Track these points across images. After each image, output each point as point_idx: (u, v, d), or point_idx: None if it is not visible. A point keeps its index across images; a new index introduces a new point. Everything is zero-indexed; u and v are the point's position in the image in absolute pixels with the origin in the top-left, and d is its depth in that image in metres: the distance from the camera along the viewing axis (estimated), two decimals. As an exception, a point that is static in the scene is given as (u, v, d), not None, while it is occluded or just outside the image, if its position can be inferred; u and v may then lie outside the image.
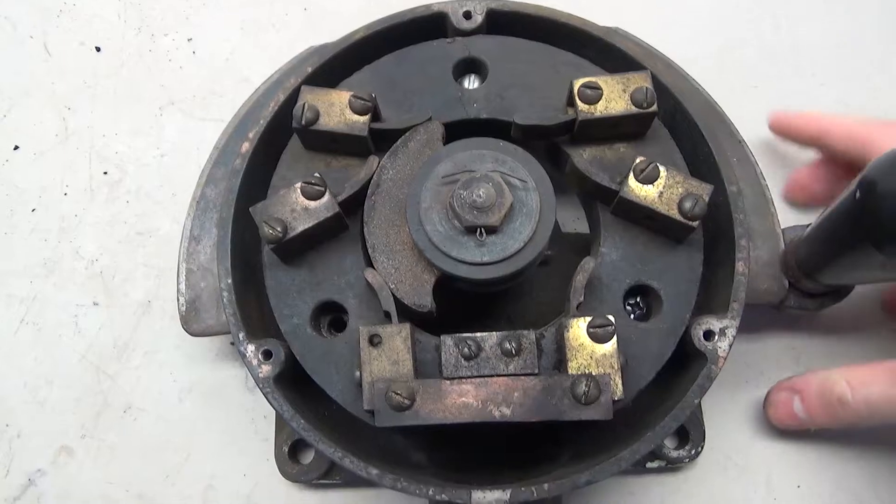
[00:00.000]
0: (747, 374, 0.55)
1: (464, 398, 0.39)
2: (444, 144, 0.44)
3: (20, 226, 0.60)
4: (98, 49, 0.64)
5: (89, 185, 0.60)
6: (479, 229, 0.41)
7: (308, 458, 0.53)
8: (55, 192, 0.60)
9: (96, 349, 0.57)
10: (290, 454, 0.52)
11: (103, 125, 0.62)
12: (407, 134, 0.45)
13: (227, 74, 0.61)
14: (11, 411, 0.56)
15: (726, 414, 0.54)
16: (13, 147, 0.61)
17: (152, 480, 0.54)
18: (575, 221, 0.57)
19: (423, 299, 0.43)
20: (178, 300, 0.52)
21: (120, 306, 0.58)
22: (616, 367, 0.40)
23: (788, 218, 0.55)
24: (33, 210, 0.60)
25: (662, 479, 0.53)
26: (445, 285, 0.44)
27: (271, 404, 0.44)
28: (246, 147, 0.48)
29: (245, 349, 0.44)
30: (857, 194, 0.39)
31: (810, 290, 0.50)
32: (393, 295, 0.42)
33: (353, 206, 0.45)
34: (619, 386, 0.40)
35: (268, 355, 0.44)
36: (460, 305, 0.47)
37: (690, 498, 0.53)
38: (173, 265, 0.57)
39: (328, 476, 0.52)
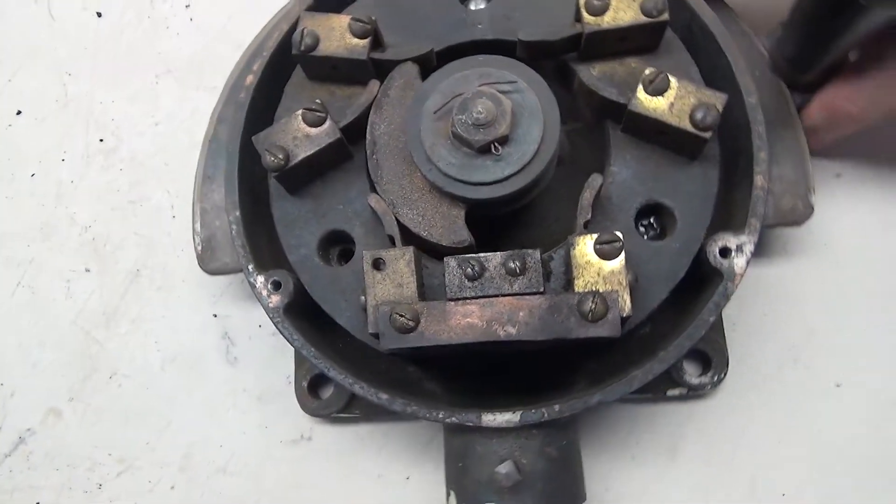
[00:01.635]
0: (779, 301, 0.53)
1: (468, 318, 0.39)
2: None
3: (20, 190, 0.61)
4: (99, 14, 0.63)
5: (86, 152, 0.61)
6: (492, 144, 0.40)
7: (327, 392, 0.54)
8: (54, 157, 0.61)
9: (86, 315, 0.58)
10: (310, 389, 0.53)
11: (102, 92, 0.62)
12: (384, 83, 0.43)
13: (224, 42, 0.60)
14: (6, 371, 0.57)
15: (755, 342, 0.53)
16: (16, 112, 0.62)
17: (134, 445, 0.55)
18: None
19: (460, 235, 0.42)
20: (193, 239, 0.53)
21: (110, 273, 0.59)
22: (624, 284, 0.39)
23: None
24: (33, 175, 0.61)
25: (685, 408, 0.52)
26: (472, 213, 0.43)
27: (282, 334, 0.44)
28: (250, 79, 0.47)
29: (255, 280, 0.44)
30: None
31: (810, 81, 0.49)
32: (422, 238, 0.42)
33: (355, 133, 0.45)
34: (628, 302, 0.39)
35: (277, 286, 0.44)
36: (476, 236, 0.46)
37: (714, 426, 0.52)
38: (162, 234, 0.59)
39: (347, 410, 0.53)
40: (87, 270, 0.59)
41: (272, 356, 0.56)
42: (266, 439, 0.55)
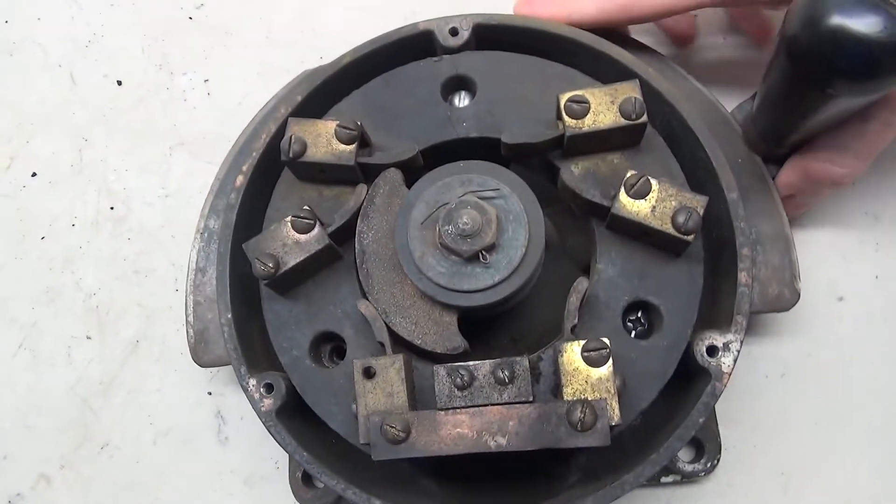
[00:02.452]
0: (765, 370, 0.54)
1: (458, 429, 0.39)
2: (421, 175, 0.44)
3: (29, 252, 0.61)
4: (119, 83, 0.64)
5: (96, 219, 0.62)
6: (479, 253, 0.40)
7: (321, 483, 0.53)
8: (64, 222, 0.62)
9: (84, 382, 0.58)
10: (303, 480, 0.53)
11: (115, 159, 0.63)
12: (370, 190, 0.44)
13: (238, 118, 0.60)
14: (2, 433, 0.58)
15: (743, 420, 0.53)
16: (31, 174, 0.63)
17: None
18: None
19: (454, 341, 0.43)
20: (186, 332, 0.53)
21: (111, 342, 0.59)
22: (612, 392, 0.39)
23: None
24: (42, 238, 0.62)
25: (681, 491, 0.52)
26: (463, 317, 0.43)
27: (274, 438, 0.44)
28: (240, 180, 0.48)
29: (247, 383, 0.45)
30: (793, 42, 0.39)
31: (783, 155, 0.50)
32: (415, 345, 0.42)
33: (344, 236, 0.45)
34: (616, 411, 0.39)
35: (269, 388, 0.45)
36: (465, 332, 0.46)
37: (711, 509, 0.52)
38: (163, 307, 0.59)
39: (342, 501, 0.52)
40: (89, 338, 0.59)
41: (262, 439, 0.55)
42: (249, 524, 0.54)
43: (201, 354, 0.52)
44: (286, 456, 0.54)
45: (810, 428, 0.53)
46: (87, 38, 0.66)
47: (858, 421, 0.52)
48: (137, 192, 0.62)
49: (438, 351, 0.42)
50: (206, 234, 0.54)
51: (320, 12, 0.65)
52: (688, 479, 0.50)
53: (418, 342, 0.42)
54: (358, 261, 0.44)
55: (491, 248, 0.40)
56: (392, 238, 0.43)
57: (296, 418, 0.46)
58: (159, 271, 0.60)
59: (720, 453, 0.50)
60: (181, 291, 0.59)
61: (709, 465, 0.50)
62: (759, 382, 0.54)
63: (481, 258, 0.40)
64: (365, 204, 0.44)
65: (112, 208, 0.62)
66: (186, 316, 0.53)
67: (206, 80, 0.64)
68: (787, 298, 0.49)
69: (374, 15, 0.63)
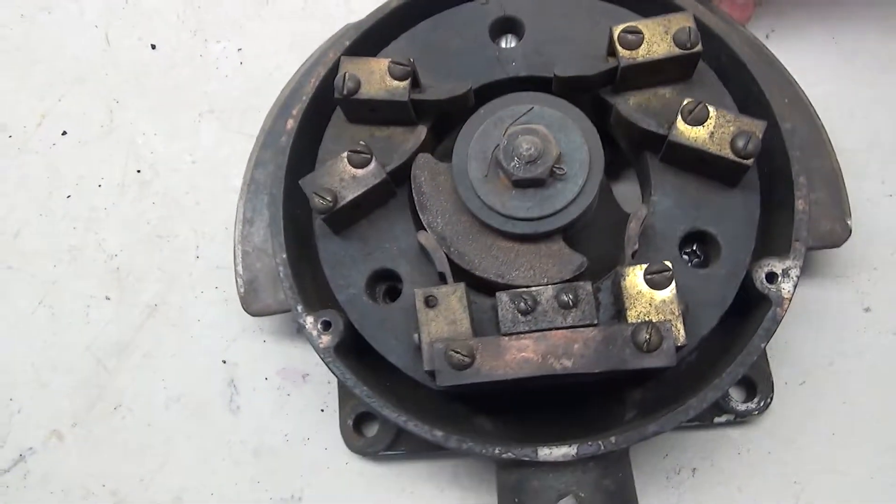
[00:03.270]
0: (812, 322, 0.54)
1: (523, 353, 0.39)
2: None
3: (54, 210, 0.61)
4: (153, 47, 0.64)
5: (122, 181, 0.61)
6: (553, 169, 0.41)
7: (372, 430, 0.54)
8: (91, 182, 0.62)
9: (101, 343, 0.58)
10: (355, 427, 0.53)
11: (145, 123, 0.63)
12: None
13: (269, 89, 0.60)
14: (17, 387, 0.58)
15: (795, 363, 0.53)
16: (62, 132, 0.63)
17: (128, 480, 0.55)
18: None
19: (575, 259, 0.43)
20: (236, 282, 0.53)
21: (129, 305, 0.59)
22: (677, 313, 0.39)
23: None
24: (68, 196, 0.61)
25: (733, 433, 0.52)
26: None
27: (334, 373, 0.45)
28: (291, 124, 0.48)
29: (304, 321, 0.45)
30: None
31: None
32: (447, 257, 0.42)
33: (400, 177, 0.45)
34: (682, 332, 0.39)
35: (327, 326, 0.45)
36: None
37: (764, 450, 0.52)
38: (183, 273, 0.59)
39: (393, 446, 0.53)
40: (108, 298, 0.59)
41: (273, 411, 0.56)
42: (256, 494, 0.54)
43: (251, 303, 0.53)
44: (296, 428, 0.55)
45: (864, 371, 0.53)
46: (123, 0, 0.66)
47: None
48: (165, 156, 0.62)
49: (566, 278, 0.42)
50: (252, 186, 0.55)
51: None
52: (741, 418, 0.50)
53: (503, 279, 0.43)
54: (441, 247, 0.44)
55: (559, 159, 0.41)
56: (463, 211, 0.43)
57: (350, 357, 0.46)
58: (182, 237, 0.60)
59: (772, 392, 0.50)
60: (202, 259, 0.59)
61: (762, 403, 0.50)
62: (809, 326, 0.53)
63: (557, 172, 0.40)
64: (416, 197, 0.44)
65: (139, 171, 0.62)
66: (235, 266, 0.53)
67: (239, 49, 0.64)
68: (838, 234, 0.49)
69: None
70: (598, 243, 0.49)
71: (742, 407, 0.50)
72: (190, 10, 0.65)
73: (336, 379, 0.53)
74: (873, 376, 0.53)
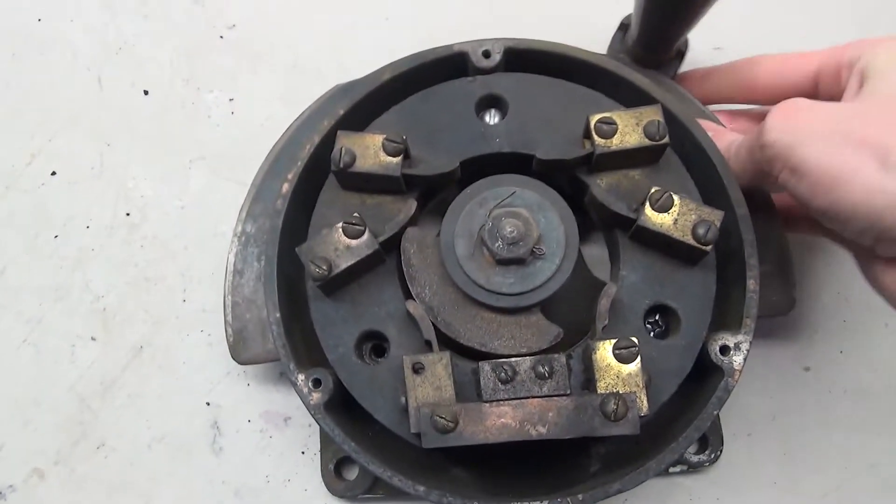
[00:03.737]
0: (758, 379, 0.59)
1: (503, 419, 0.43)
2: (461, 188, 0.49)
3: (42, 248, 0.62)
4: (146, 92, 0.66)
5: (111, 223, 0.63)
6: (534, 249, 0.45)
7: (352, 474, 0.57)
8: (79, 223, 0.63)
9: (85, 382, 0.60)
10: (336, 471, 0.56)
11: (136, 167, 0.64)
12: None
13: (259, 141, 0.62)
14: None
15: (742, 416, 0.58)
16: (51, 172, 0.64)
17: None
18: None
19: (552, 330, 0.47)
20: (226, 331, 0.56)
21: (114, 346, 0.60)
22: (641, 385, 0.44)
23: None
24: (56, 236, 0.63)
25: (685, 481, 0.57)
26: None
27: (323, 428, 0.47)
28: (286, 188, 0.51)
29: (296, 378, 0.48)
30: None
31: (663, 60, 0.57)
32: (434, 325, 0.46)
33: (389, 246, 0.49)
34: (645, 402, 0.43)
35: (317, 383, 0.48)
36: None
37: (713, 496, 0.57)
38: (170, 316, 0.61)
39: (372, 491, 0.56)
40: (93, 339, 0.60)
41: (255, 453, 0.58)
42: (236, 536, 0.57)
43: (240, 352, 0.55)
44: (277, 470, 0.58)
45: (804, 425, 0.58)
46: (118, 45, 0.67)
47: (847, 419, 0.58)
48: (155, 200, 0.63)
49: (543, 347, 0.46)
50: (243, 238, 0.57)
51: (348, 46, 0.67)
52: (693, 468, 0.55)
53: (485, 348, 0.47)
54: (428, 317, 0.47)
55: (539, 240, 0.45)
56: (449, 284, 0.47)
57: (338, 412, 0.49)
58: (169, 280, 0.62)
59: (722, 445, 0.55)
60: (188, 303, 0.61)
61: (712, 455, 0.55)
62: (755, 383, 0.59)
63: (537, 252, 0.44)
64: (405, 269, 0.48)
65: (128, 214, 0.63)
66: (225, 316, 0.56)
67: (231, 99, 0.66)
68: (785, 304, 0.54)
69: (399, 52, 0.64)
70: (571, 306, 0.54)
71: (695, 458, 0.55)
72: (183, 58, 0.67)
73: (317, 423, 0.56)
74: (812, 430, 0.58)
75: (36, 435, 0.59)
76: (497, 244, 0.44)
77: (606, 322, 0.46)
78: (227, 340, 0.55)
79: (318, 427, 0.57)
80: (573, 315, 0.51)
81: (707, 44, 0.63)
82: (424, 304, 0.47)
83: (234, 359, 0.55)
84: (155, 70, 0.67)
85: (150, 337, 0.61)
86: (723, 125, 0.56)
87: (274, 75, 0.66)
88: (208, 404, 0.59)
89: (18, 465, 0.58)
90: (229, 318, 0.56)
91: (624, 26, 0.59)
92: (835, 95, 0.49)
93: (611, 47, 0.60)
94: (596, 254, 0.58)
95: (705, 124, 0.52)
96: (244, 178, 0.62)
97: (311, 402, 0.47)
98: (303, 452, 0.58)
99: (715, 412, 0.46)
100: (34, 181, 0.64)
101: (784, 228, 0.54)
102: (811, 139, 0.42)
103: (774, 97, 0.50)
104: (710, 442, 0.55)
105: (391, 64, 0.54)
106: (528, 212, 0.46)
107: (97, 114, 0.66)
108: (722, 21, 0.56)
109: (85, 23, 0.67)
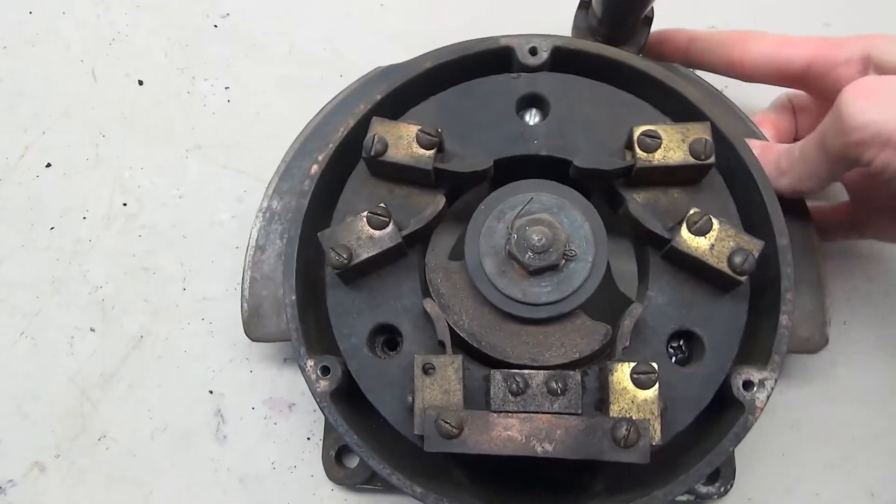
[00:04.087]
0: (783, 418, 0.57)
1: (509, 432, 0.42)
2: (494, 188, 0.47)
3: (37, 241, 0.61)
4: (141, 83, 0.65)
5: (108, 214, 0.62)
6: (565, 253, 0.44)
7: (353, 462, 0.56)
8: (75, 214, 0.62)
9: (85, 374, 0.59)
10: (337, 458, 0.56)
11: (132, 157, 0.63)
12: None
13: (256, 128, 0.62)
14: None
15: (757, 455, 0.56)
16: (46, 164, 0.63)
17: None
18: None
19: (600, 329, 0.46)
20: (241, 306, 0.55)
21: (114, 336, 0.59)
22: (656, 414, 0.42)
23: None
24: (52, 228, 0.62)
25: (691, 511, 0.55)
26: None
27: (327, 417, 0.47)
28: (315, 169, 0.50)
29: (305, 364, 0.47)
30: None
31: (630, 32, 0.55)
32: (449, 326, 0.45)
33: (413, 240, 0.48)
34: (658, 432, 0.42)
35: (326, 371, 0.47)
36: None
37: (717, 530, 0.55)
38: (169, 305, 0.60)
39: (371, 481, 0.55)
40: (92, 330, 0.60)
41: (260, 440, 0.57)
42: (242, 523, 0.56)
43: (253, 329, 0.55)
44: (282, 457, 0.57)
45: (816, 468, 0.56)
46: (111, 36, 0.66)
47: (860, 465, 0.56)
48: (151, 190, 0.63)
49: (595, 348, 0.46)
50: (267, 214, 0.56)
51: (344, 33, 0.65)
52: (701, 499, 0.53)
53: (537, 363, 0.46)
54: (441, 312, 0.46)
55: (568, 241, 0.44)
56: (485, 304, 0.46)
57: (343, 402, 0.48)
58: (167, 269, 0.61)
59: (734, 478, 0.53)
60: (188, 291, 0.60)
61: (723, 489, 0.53)
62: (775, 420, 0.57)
63: (569, 254, 0.43)
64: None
65: (125, 205, 0.62)
66: (242, 291, 0.55)
67: (226, 88, 0.65)
68: (815, 342, 0.52)
69: (396, 41, 0.64)
70: (597, 317, 0.52)
71: (704, 489, 0.53)
72: (178, 48, 0.66)
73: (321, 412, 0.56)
74: (823, 467, 0.56)
75: (35, 428, 0.58)
76: (527, 255, 0.43)
77: (628, 343, 0.44)
78: (242, 315, 0.55)
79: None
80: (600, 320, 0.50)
81: (702, 23, 0.62)
82: (465, 332, 0.46)
83: (246, 334, 0.55)
84: (149, 60, 0.65)
85: (149, 326, 0.60)
86: (766, 139, 0.54)
87: (269, 63, 0.65)
88: (211, 392, 0.59)
89: (18, 460, 0.58)
90: (246, 293, 0.55)
91: (584, 4, 0.57)
92: (823, 88, 0.50)
93: (575, 26, 0.58)
94: (624, 268, 0.56)
95: (750, 141, 0.50)
96: (241, 167, 0.62)
97: (318, 390, 0.47)
98: (308, 438, 0.58)
99: (731, 448, 0.44)
100: (28, 173, 0.63)
101: (820, 238, 0.53)
102: None
103: (759, 77, 0.53)
104: (722, 474, 0.53)
105: (433, 52, 0.52)
106: (549, 215, 0.44)
107: (91, 105, 0.65)
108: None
109: (77, 15, 0.66)
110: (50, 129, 0.64)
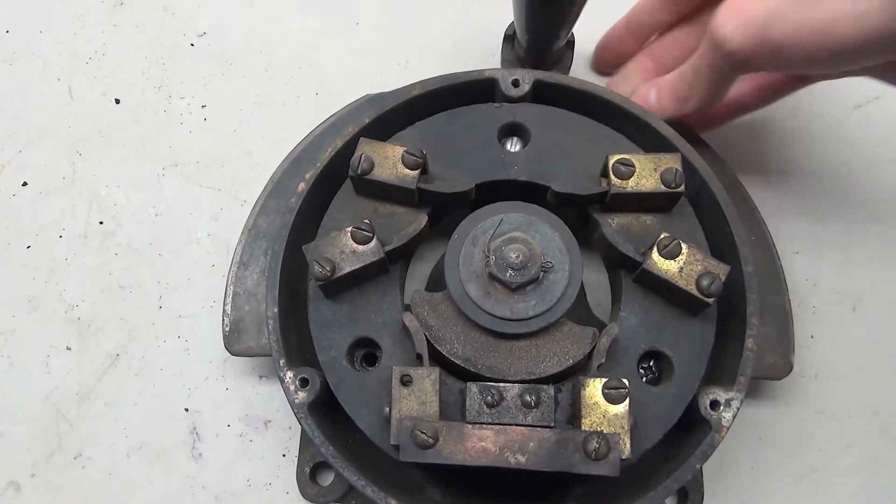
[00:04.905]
0: (749, 439, 0.58)
1: (483, 443, 0.43)
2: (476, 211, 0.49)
3: (13, 259, 0.61)
4: (117, 101, 0.65)
5: (84, 232, 0.62)
6: (543, 267, 0.45)
7: (327, 480, 0.56)
8: (52, 232, 0.62)
9: (61, 392, 0.59)
10: (311, 476, 0.56)
11: (108, 176, 0.64)
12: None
13: (233, 146, 0.63)
14: None
15: (726, 468, 0.57)
16: (22, 183, 0.63)
17: None
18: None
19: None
20: (222, 320, 0.56)
21: (90, 354, 0.59)
22: (626, 428, 0.43)
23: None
24: (28, 247, 0.62)
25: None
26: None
27: (304, 428, 0.47)
28: (302, 187, 0.52)
29: (284, 375, 0.48)
30: None
31: (555, 57, 0.59)
32: (427, 340, 0.46)
33: (395, 256, 0.49)
34: (628, 445, 0.43)
35: (304, 383, 0.48)
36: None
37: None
38: (146, 323, 0.60)
39: (345, 499, 0.55)
40: (68, 348, 0.60)
41: (235, 457, 0.57)
42: (215, 541, 0.56)
43: (234, 343, 0.55)
44: (258, 473, 0.57)
45: (785, 480, 0.57)
46: (88, 54, 0.67)
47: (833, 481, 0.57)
48: (128, 208, 0.63)
49: (587, 351, 0.47)
50: (253, 232, 0.58)
51: (320, 50, 0.67)
52: (671, 519, 0.54)
53: (534, 375, 0.47)
54: (419, 326, 0.47)
55: (543, 254, 0.45)
56: (475, 329, 0.47)
57: (321, 414, 0.49)
58: (144, 287, 0.61)
59: (702, 500, 0.54)
60: (165, 309, 0.60)
61: (692, 509, 0.54)
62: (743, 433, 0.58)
63: (546, 266, 0.45)
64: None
65: (101, 223, 0.62)
66: (224, 306, 0.56)
67: (203, 106, 0.66)
68: (780, 368, 0.53)
69: (370, 57, 0.66)
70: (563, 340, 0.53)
71: (673, 510, 0.54)
72: (154, 67, 0.67)
73: (298, 426, 0.56)
74: (792, 479, 0.57)
75: (11, 447, 0.58)
76: (508, 273, 0.44)
77: (603, 360, 0.46)
78: (223, 330, 0.56)
79: (299, 430, 0.57)
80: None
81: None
82: (461, 359, 0.47)
83: (227, 349, 0.55)
84: (126, 79, 0.67)
85: (125, 345, 0.60)
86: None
87: (246, 81, 0.67)
88: (187, 410, 0.59)
89: None
90: (228, 308, 0.56)
91: (509, 37, 0.60)
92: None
93: (503, 59, 0.61)
94: (596, 296, 0.58)
95: (639, 94, 0.55)
96: (218, 184, 0.63)
97: (296, 401, 0.47)
98: (283, 455, 0.58)
99: (698, 465, 0.45)
100: (4, 192, 0.63)
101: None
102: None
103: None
104: (691, 497, 0.54)
105: (421, 81, 0.55)
106: (521, 232, 0.46)
107: (68, 123, 0.65)
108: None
109: (54, 33, 0.68)
110: (26, 147, 0.64)
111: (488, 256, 0.45)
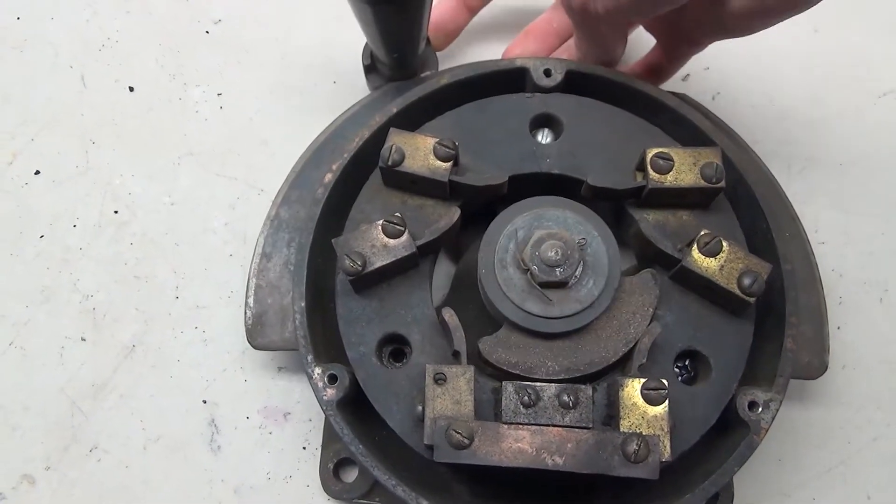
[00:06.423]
0: (777, 431, 0.57)
1: (519, 444, 0.42)
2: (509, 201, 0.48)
3: (26, 249, 0.60)
4: (131, 89, 0.64)
5: (99, 222, 0.61)
6: (580, 263, 0.44)
7: (351, 476, 0.55)
8: (65, 222, 0.61)
9: (75, 384, 0.57)
10: (334, 472, 0.55)
11: (122, 165, 0.62)
12: (455, 340, 0.46)
13: (248, 134, 0.61)
14: None
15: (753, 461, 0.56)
16: (34, 171, 0.62)
17: None
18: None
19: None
20: (245, 313, 0.55)
21: (105, 345, 0.58)
22: (666, 430, 0.42)
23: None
24: (42, 236, 0.60)
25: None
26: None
27: (333, 426, 0.46)
28: (329, 178, 0.50)
29: (312, 371, 0.47)
30: None
31: (418, 66, 0.58)
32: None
33: (426, 250, 0.48)
34: (668, 447, 0.42)
35: (333, 379, 0.47)
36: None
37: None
38: (162, 313, 0.58)
39: (368, 496, 0.54)
40: (83, 339, 0.58)
41: (254, 450, 0.56)
42: (235, 535, 0.55)
43: (256, 337, 0.54)
44: (278, 466, 0.56)
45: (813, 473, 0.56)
46: (100, 42, 0.65)
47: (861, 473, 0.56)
48: (143, 198, 0.62)
49: (631, 345, 0.46)
50: (276, 222, 0.56)
51: (337, 39, 0.65)
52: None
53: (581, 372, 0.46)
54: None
55: (583, 249, 0.44)
56: (517, 331, 0.46)
57: (349, 411, 0.48)
58: (160, 277, 0.60)
59: (732, 502, 0.54)
60: (181, 299, 0.59)
61: (722, 509, 0.53)
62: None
63: (587, 261, 0.44)
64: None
65: (116, 212, 0.61)
66: (247, 298, 0.55)
67: (219, 94, 0.64)
68: (815, 368, 0.52)
69: None
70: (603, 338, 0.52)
71: (703, 511, 0.54)
72: (169, 54, 0.65)
73: (321, 417, 0.55)
74: (819, 472, 0.56)
75: (25, 440, 0.56)
76: (547, 270, 0.43)
77: (644, 360, 0.45)
78: (245, 323, 0.54)
79: (319, 423, 0.56)
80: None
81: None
82: (506, 364, 0.45)
83: (249, 342, 0.54)
84: (140, 67, 0.65)
85: (141, 336, 0.58)
86: None
87: (262, 69, 0.65)
88: (205, 402, 0.57)
89: (7, 473, 0.56)
90: (251, 301, 0.55)
91: (369, 67, 0.59)
92: None
93: (371, 88, 0.60)
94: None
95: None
96: (234, 173, 0.62)
97: (325, 398, 0.46)
98: (304, 448, 0.57)
99: (735, 468, 0.44)
100: (16, 181, 0.62)
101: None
102: None
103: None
104: (720, 497, 0.53)
105: (450, 69, 0.53)
106: (558, 228, 0.45)
107: (81, 112, 0.64)
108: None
109: (66, 20, 0.66)
110: (38, 135, 0.63)
111: (531, 253, 0.44)
